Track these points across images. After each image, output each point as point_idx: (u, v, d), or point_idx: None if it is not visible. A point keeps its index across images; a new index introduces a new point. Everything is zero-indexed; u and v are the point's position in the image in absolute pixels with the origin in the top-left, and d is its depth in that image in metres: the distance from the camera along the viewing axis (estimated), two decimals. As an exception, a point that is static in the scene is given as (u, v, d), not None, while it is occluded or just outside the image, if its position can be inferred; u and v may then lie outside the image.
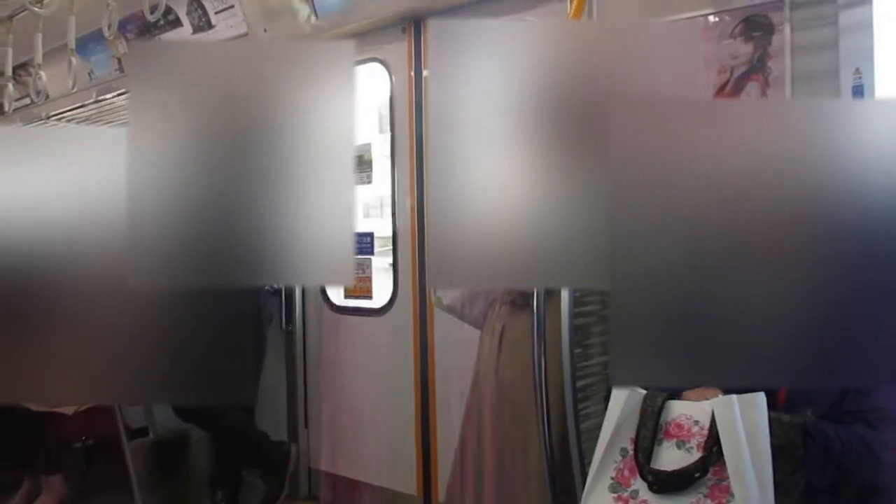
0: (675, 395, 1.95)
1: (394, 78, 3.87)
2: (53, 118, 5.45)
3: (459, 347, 3.32)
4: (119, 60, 4.98)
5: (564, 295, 2.51)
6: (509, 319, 2.85)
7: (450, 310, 3.14)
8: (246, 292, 0.77)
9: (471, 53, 0.78)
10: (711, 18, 2.71)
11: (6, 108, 4.83)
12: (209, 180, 0.74)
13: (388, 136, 3.92)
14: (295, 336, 4.32)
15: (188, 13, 4.37)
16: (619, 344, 0.76)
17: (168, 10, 4.14)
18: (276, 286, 4.13)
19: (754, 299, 0.76)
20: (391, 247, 3.90)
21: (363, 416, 4.06)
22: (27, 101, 5.04)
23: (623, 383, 1.73)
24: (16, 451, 3.96)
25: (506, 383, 2.81)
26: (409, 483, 3.84)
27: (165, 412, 4.10)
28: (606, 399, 2.04)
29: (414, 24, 3.76)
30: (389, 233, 3.90)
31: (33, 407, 3.65)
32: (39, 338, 0.74)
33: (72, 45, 4.01)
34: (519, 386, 2.77)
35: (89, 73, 5.10)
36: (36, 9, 3.57)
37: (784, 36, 2.57)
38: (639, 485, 1.88)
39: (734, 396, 1.80)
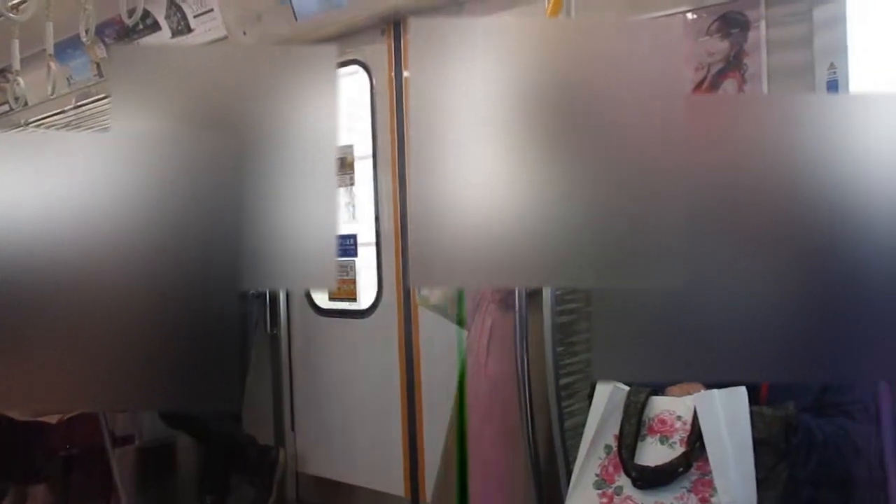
0: (659, 391, 1.96)
1: (374, 79, 3.87)
2: (33, 124, 5.40)
3: (445, 348, 3.32)
4: (98, 65, 4.94)
5: (546, 293, 2.51)
6: (498, 318, 2.86)
7: (436, 309, 3.14)
8: (230, 297, 0.77)
9: (451, 53, 0.78)
10: (688, 15, 2.73)
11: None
12: (191, 185, 0.74)
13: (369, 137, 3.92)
14: (280, 340, 4.31)
15: (167, 17, 4.34)
16: (601, 339, 0.77)
17: (146, 14, 4.12)
18: (259, 290, 4.11)
19: (735, 294, 0.77)
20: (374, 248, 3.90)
21: (350, 418, 4.05)
22: (6, 107, 5.00)
23: (605, 378, 1.74)
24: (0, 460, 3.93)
25: (495, 382, 2.81)
26: (396, 484, 3.83)
27: (151, 419, 4.07)
28: (590, 396, 2.05)
29: (393, 26, 3.76)
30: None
31: (16, 416, 3.61)
32: (21, 345, 0.74)
33: (50, 50, 3.98)
34: (508, 384, 2.77)
35: (68, 79, 5.07)
36: (12, 14, 3.54)
37: (759, 32, 2.59)
38: (623, 481, 1.89)
39: (716, 391, 1.81)
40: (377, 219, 3.87)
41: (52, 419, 3.76)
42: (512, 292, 2.76)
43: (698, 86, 2.69)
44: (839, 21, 2.39)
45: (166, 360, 0.77)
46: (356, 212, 4.08)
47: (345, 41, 3.79)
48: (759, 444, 1.78)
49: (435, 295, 3.08)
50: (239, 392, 3.29)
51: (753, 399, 1.83)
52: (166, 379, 0.78)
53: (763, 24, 2.58)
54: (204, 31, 4.21)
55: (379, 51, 3.82)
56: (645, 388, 1.95)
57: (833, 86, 2.39)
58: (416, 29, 0.78)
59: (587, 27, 0.83)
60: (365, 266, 4.02)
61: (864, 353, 0.77)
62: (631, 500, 1.86)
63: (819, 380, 1.85)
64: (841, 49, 2.38)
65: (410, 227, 0.77)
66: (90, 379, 0.77)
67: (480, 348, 2.88)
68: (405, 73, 3.74)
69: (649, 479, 1.85)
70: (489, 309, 2.89)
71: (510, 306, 2.80)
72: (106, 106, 4.70)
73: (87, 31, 3.70)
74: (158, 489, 4.17)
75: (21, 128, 5.40)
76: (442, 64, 0.77)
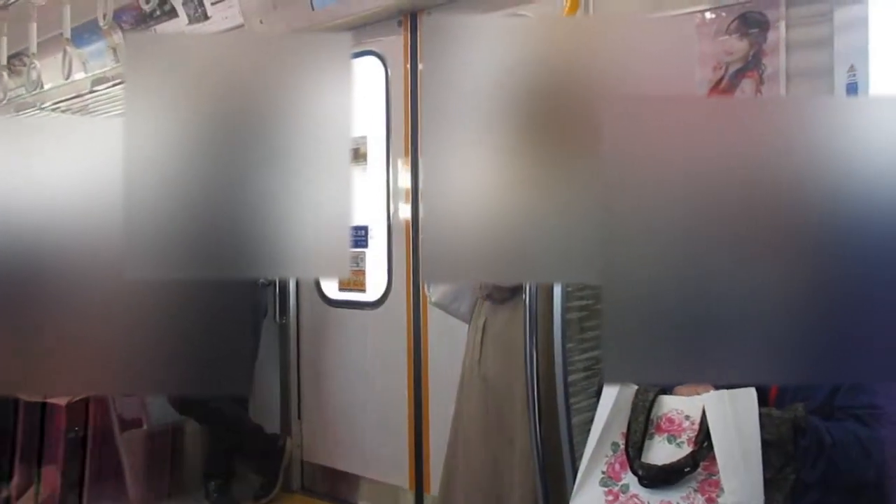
0: (667, 390, 1.95)
1: (390, 71, 3.87)
2: (48, 108, 5.42)
3: (453, 341, 3.33)
4: (114, 51, 4.96)
5: (557, 290, 2.51)
6: (491, 314, 2.86)
7: (438, 306, 3.14)
8: (242, 285, 0.77)
9: (465, 49, 0.78)
10: (707, 15, 2.71)
11: (1, 97, 4.81)
12: (205, 172, 0.74)
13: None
14: (289, 329, 4.32)
15: (184, 4, 4.35)
16: (612, 342, 0.76)
17: (164, 0, 4.13)
18: (269, 279, 4.12)
19: (747, 296, 0.76)
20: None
21: (356, 409, 4.06)
22: (22, 90, 5.02)
23: (617, 381, 1.73)
24: (9, 441, 3.95)
25: (489, 377, 2.82)
26: (401, 476, 3.84)
27: (159, 403, 4.10)
28: (598, 394, 2.05)
29: (410, 18, 3.76)
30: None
31: (26, 398, 3.64)
32: (34, 329, 0.74)
33: (67, 34, 3.99)
34: (501, 379, 2.78)
35: (84, 64, 5.08)
36: (31, -2, 3.56)
37: (779, 33, 2.57)
38: (629, 479, 1.89)
39: (725, 392, 1.81)
40: (389, 211, 3.87)
41: (62, 401, 3.79)
42: (500, 288, 2.77)
43: (716, 85, 2.68)
44: (860, 23, 2.37)
45: (177, 346, 0.78)
46: (368, 204, 4.08)
47: (361, 32, 3.79)
48: (767, 446, 1.78)
49: (437, 293, 3.09)
50: (248, 379, 3.30)
51: (762, 400, 1.82)
52: (177, 365, 0.78)
53: (783, 24, 2.57)
54: (221, 18, 4.21)
55: (395, 42, 3.82)
56: (653, 387, 1.94)
57: (853, 88, 2.37)
58: (430, 24, 0.78)
59: (602, 25, 0.83)
60: (374, 257, 4.02)
61: (876, 356, 0.77)
62: (637, 499, 1.86)
63: (829, 383, 1.84)
64: (861, 51, 2.36)
65: (422, 222, 0.77)
66: (102, 364, 0.77)
67: (475, 346, 2.89)
68: (420, 66, 3.73)
69: (656, 477, 1.85)
70: (482, 306, 2.90)
71: (500, 302, 2.81)
72: (122, 91, 4.70)
73: (104, 16, 3.71)
74: (165, 473, 4.20)
75: (37, 111, 5.43)
76: (456, 60, 0.77)
